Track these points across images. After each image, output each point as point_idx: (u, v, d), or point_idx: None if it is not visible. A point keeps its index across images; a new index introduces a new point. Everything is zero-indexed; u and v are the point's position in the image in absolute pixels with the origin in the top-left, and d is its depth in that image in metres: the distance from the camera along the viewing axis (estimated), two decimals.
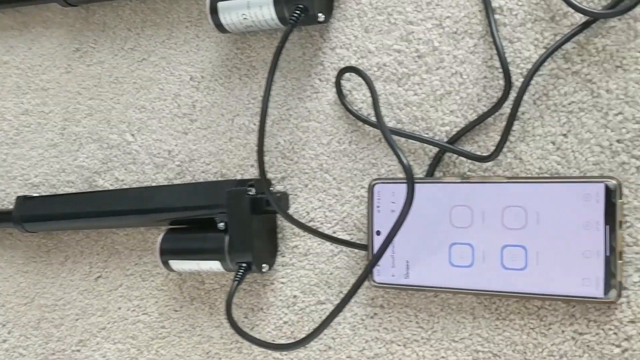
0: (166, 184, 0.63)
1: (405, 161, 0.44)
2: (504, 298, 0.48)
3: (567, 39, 0.46)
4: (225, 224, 0.55)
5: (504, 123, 0.49)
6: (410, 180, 0.43)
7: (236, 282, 0.54)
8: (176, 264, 0.58)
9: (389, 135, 0.46)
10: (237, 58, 0.60)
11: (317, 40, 0.56)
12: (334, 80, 0.55)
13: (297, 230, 0.57)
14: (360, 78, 0.54)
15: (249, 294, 0.59)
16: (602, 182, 0.44)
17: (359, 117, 0.54)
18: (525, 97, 0.48)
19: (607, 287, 0.44)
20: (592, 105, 0.46)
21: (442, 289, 0.50)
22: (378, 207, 0.52)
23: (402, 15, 0.52)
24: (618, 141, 0.45)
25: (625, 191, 0.45)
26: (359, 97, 0.55)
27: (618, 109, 0.45)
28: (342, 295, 0.55)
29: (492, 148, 0.49)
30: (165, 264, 0.58)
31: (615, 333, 0.45)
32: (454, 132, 0.51)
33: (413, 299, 0.52)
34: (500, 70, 0.48)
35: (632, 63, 0.44)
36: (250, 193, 0.55)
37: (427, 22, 0.52)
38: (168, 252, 0.58)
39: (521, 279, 0.47)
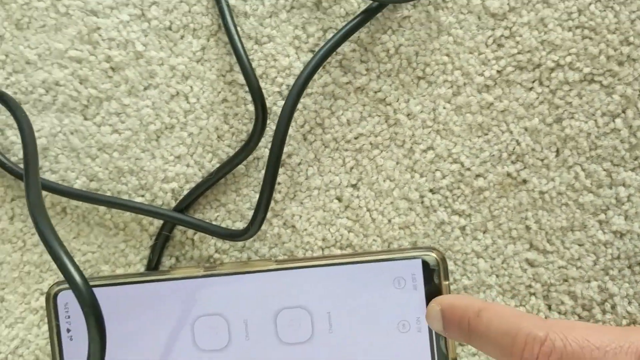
0: None
1: (76, 275, 0.22)
2: None
3: (343, 37, 0.29)
4: None
5: (262, 173, 0.30)
6: (89, 305, 0.22)
7: None
8: None
9: (44, 222, 0.24)
10: None
11: None
12: None
13: None
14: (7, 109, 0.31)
15: None
16: (417, 257, 0.28)
17: (19, 175, 0.31)
18: (291, 132, 0.30)
19: None
20: (390, 139, 0.30)
21: None
22: (69, 330, 0.30)
23: (79, 1, 0.31)
24: (432, 191, 0.30)
25: (451, 265, 0.30)
26: (20, 140, 0.31)
27: (427, 142, 0.30)
28: None
29: (249, 213, 0.31)
30: None
31: None
32: (185, 192, 0.31)
33: None
34: (247, 89, 0.30)
35: (438, 72, 0.29)
36: None
37: (120, 12, 0.31)
38: None
39: None
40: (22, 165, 0.31)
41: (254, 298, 0.29)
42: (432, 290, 0.28)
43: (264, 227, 0.30)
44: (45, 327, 0.32)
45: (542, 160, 0.29)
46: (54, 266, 0.32)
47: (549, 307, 0.29)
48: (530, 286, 0.29)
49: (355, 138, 0.30)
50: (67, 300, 0.30)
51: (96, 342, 0.21)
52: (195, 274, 0.29)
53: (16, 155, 0.31)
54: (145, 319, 0.30)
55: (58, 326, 0.30)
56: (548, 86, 0.29)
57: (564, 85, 0.29)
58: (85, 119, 0.31)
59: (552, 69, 0.29)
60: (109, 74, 0.31)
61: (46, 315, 0.30)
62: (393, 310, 0.29)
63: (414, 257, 0.28)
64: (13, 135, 0.31)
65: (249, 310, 0.29)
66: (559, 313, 0.29)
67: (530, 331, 0.21)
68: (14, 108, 0.29)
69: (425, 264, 0.28)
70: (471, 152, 0.29)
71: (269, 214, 0.30)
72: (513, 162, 0.29)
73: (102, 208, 0.31)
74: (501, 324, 0.22)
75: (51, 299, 0.30)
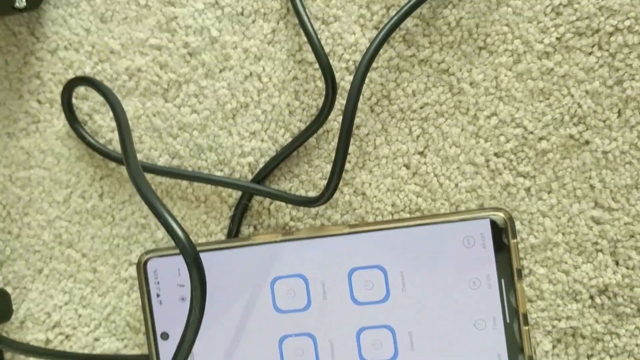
0: None
1: (179, 232, 0.25)
2: None
3: (406, 13, 0.31)
4: None
5: (333, 144, 0.32)
6: (192, 258, 0.24)
7: None
8: None
9: (146, 188, 0.27)
10: None
11: (24, 40, 0.35)
12: (60, 100, 0.34)
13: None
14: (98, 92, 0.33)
15: None
16: (485, 217, 0.30)
17: (107, 155, 0.34)
18: (358, 104, 0.32)
19: None
20: (454, 107, 0.31)
21: None
22: (158, 295, 0.32)
23: None
24: (496, 155, 0.31)
25: (517, 225, 0.31)
26: (106, 124, 0.34)
27: (490, 108, 0.31)
28: None
29: (321, 182, 0.32)
30: None
31: None
32: (261, 165, 0.33)
33: None
34: (317, 66, 0.32)
35: (499, 42, 0.31)
36: None
37: (196, 1, 0.33)
38: None
39: None
40: (110, 147, 0.34)
41: (330, 260, 0.31)
42: (501, 248, 0.30)
43: (335, 195, 0.32)
44: (134, 295, 0.34)
45: (604, 121, 0.30)
46: (141, 238, 0.34)
47: (617, 263, 0.30)
48: (596, 243, 0.30)
49: (421, 107, 0.31)
50: (156, 268, 0.32)
51: (198, 290, 0.24)
52: (274, 239, 0.32)
53: (104, 137, 0.34)
54: (228, 283, 0.32)
55: (149, 291, 0.33)
56: (607, 50, 0.30)
57: (623, 49, 0.30)
58: (166, 101, 0.34)
59: (611, 34, 0.30)
60: (186, 59, 0.33)
61: (137, 282, 0.33)
62: (463, 268, 0.30)
63: (483, 217, 0.30)
64: (100, 120, 0.34)
65: (325, 272, 0.31)
66: (627, 268, 0.30)
67: None
68: (104, 91, 0.32)
69: (493, 224, 0.30)
70: (533, 116, 0.31)
71: (340, 183, 0.32)
72: (575, 124, 0.30)
73: (184, 183, 0.34)
74: None
75: (142, 267, 0.32)
